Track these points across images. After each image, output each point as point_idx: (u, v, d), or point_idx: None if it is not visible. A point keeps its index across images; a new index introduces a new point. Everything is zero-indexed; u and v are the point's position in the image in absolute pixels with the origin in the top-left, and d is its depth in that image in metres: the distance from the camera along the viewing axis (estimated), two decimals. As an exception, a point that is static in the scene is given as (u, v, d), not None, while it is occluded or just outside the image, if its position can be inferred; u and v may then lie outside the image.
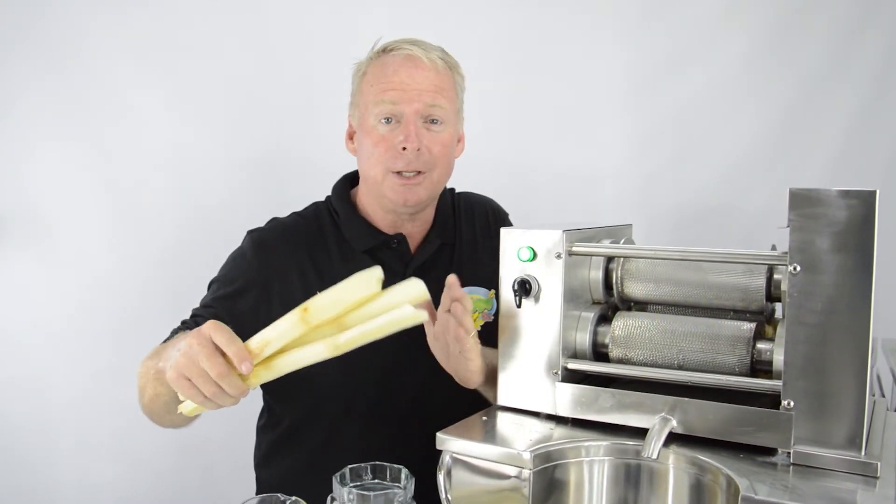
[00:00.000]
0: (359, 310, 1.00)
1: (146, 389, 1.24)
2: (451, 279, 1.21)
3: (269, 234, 1.49)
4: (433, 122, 1.42)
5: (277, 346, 1.00)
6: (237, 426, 1.67)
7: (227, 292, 1.42)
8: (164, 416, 1.26)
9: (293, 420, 1.51)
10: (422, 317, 0.99)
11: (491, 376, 1.30)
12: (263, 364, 1.01)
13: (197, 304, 1.44)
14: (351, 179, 1.57)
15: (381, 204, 1.47)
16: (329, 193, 1.56)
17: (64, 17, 2.06)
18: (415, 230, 1.51)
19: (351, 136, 1.52)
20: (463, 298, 1.20)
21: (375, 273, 0.99)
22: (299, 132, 2.17)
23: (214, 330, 1.00)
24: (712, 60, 2.14)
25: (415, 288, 1.00)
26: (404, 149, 1.39)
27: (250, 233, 1.51)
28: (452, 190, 1.63)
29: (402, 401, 1.47)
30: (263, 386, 1.53)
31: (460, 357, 1.25)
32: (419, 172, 1.41)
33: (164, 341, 1.34)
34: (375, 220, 1.50)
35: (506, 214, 1.66)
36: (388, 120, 1.41)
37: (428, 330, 1.28)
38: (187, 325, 1.37)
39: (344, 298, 0.99)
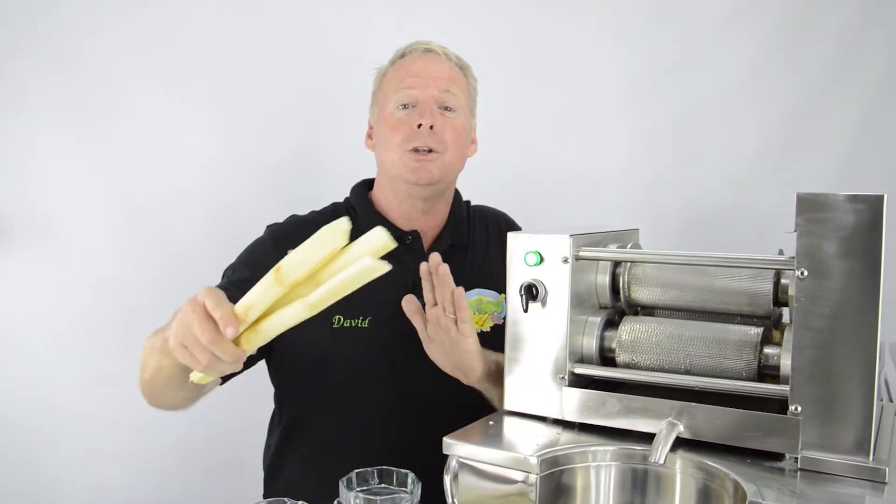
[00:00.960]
0: (330, 266, 0.98)
1: (149, 364, 1.24)
2: (423, 267, 1.30)
3: (288, 228, 1.52)
4: (447, 108, 1.48)
5: (260, 309, 0.98)
6: (243, 429, 1.67)
7: (245, 276, 1.42)
8: (164, 391, 1.27)
9: (299, 420, 1.52)
10: (384, 267, 0.96)
11: (496, 376, 1.31)
12: (252, 328, 1.00)
13: None
14: (369, 183, 1.60)
15: (395, 192, 1.50)
16: (347, 195, 1.60)
17: (67, 17, 2.07)
18: (429, 227, 1.54)
19: (370, 135, 1.58)
20: (443, 276, 1.27)
21: (341, 226, 0.97)
22: (313, 136, 2.17)
23: (206, 294, 0.99)
24: (718, 63, 2.14)
25: (377, 237, 0.98)
26: (419, 126, 1.44)
27: (270, 226, 1.54)
28: (468, 202, 1.65)
29: (408, 401, 1.47)
30: (273, 382, 1.55)
31: (458, 342, 1.29)
32: (433, 150, 1.45)
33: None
34: (391, 216, 1.53)
35: (519, 228, 1.67)
36: (405, 106, 1.47)
37: (422, 336, 1.33)
38: None
39: (312, 254, 0.97)
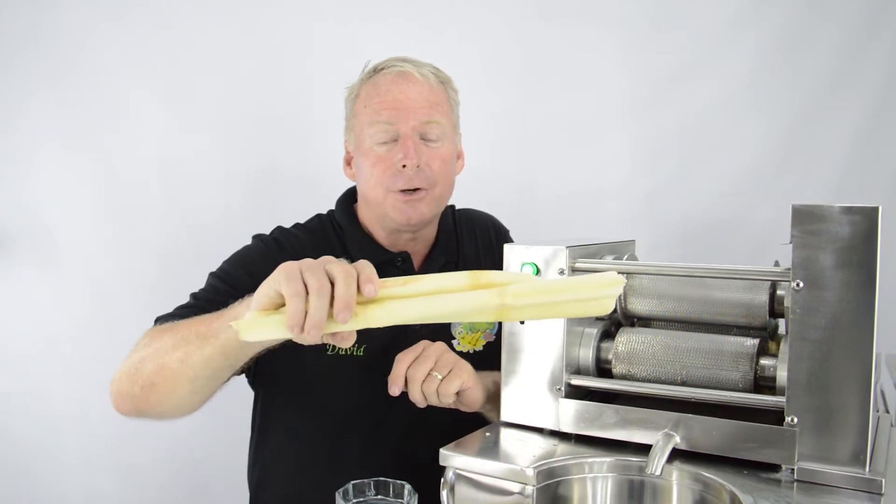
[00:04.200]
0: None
1: (173, 352, 1.16)
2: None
3: (280, 235, 1.48)
4: (430, 138, 1.40)
5: (424, 289, 0.91)
6: (238, 441, 1.66)
7: (245, 283, 1.32)
8: (175, 388, 1.18)
9: (291, 436, 1.49)
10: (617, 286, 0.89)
11: (495, 397, 1.29)
12: (400, 299, 0.91)
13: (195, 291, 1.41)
14: (354, 194, 1.54)
15: (382, 224, 1.46)
16: (332, 207, 1.55)
17: (66, 30, 2.08)
18: (417, 248, 1.50)
19: (349, 162, 1.50)
20: (414, 368, 1.23)
21: (614, 281, 0.90)
22: (300, 147, 2.17)
23: (362, 263, 0.93)
24: (716, 75, 2.15)
25: (608, 275, 0.92)
26: (404, 166, 1.37)
27: (257, 236, 1.49)
28: (452, 207, 1.61)
29: (404, 415, 1.44)
30: (260, 399, 1.53)
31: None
32: (421, 189, 1.39)
33: (153, 326, 1.31)
34: (378, 237, 1.48)
35: (507, 231, 1.65)
36: (385, 140, 1.39)
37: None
38: (183, 310, 1.34)
39: (551, 285, 0.90)
